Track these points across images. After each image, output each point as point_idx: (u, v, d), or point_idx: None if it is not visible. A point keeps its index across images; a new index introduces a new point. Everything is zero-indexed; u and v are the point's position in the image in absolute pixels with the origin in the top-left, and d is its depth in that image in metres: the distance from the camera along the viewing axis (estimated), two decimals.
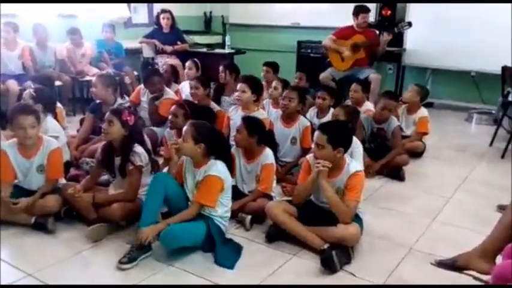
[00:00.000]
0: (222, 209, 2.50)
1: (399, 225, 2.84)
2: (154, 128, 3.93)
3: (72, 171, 3.32)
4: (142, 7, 6.70)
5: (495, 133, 4.50)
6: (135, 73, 5.91)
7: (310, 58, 6.32)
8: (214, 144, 2.50)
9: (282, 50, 6.74)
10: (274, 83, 4.18)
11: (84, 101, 5.51)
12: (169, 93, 4.25)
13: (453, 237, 2.67)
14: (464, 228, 2.77)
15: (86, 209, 2.66)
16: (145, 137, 2.92)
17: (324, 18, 6.38)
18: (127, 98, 4.10)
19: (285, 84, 4.17)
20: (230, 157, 2.67)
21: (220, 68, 4.64)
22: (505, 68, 4.38)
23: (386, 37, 5.10)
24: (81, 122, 4.11)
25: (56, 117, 3.39)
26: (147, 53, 6.19)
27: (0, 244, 2.47)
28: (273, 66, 4.98)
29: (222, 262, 2.36)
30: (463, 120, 5.64)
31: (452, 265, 2.30)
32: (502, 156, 4.17)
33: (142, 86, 4.35)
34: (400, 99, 4.31)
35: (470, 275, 2.23)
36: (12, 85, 4.75)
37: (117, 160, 2.72)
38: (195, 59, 5.02)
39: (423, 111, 4.24)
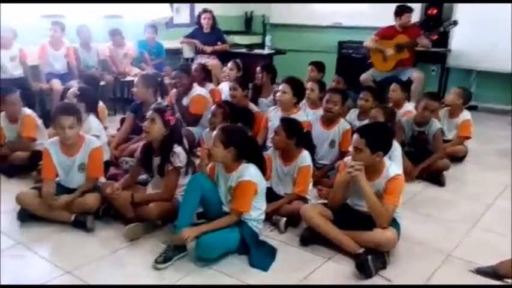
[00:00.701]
0: (256, 212, 2.49)
1: (437, 231, 2.83)
2: (191, 128, 3.91)
3: (112, 170, 3.35)
4: (184, 7, 6.79)
5: None
6: None
7: (351, 58, 6.31)
8: (245, 148, 2.48)
9: (323, 51, 6.71)
10: (309, 85, 4.14)
11: (125, 101, 5.60)
12: (199, 90, 4.17)
13: (493, 244, 2.63)
14: (505, 236, 2.73)
15: (123, 208, 2.70)
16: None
17: (366, 18, 6.36)
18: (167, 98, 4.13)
19: (321, 85, 4.15)
20: (262, 160, 2.62)
21: (258, 69, 4.64)
22: None
23: (425, 42, 5.02)
24: (122, 121, 4.15)
25: (97, 117, 3.45)
26: (188, 53, 6.27)
27: (40, 241, 2.56)
28: (319, 66, 4.96)
29: (257, 264, 2.37)
30: (507, 124, 5.47)
31: (492, 273, 2.28)
32: None
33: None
34: (442, 102, 4.24)
35: (511, 284, 2.21)
36: (56, 84, 4.85)
37: (156, 160, 2.74)
38: (237, 60, 5.03)
39: (466, 115, 4.16)
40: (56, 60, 5.11)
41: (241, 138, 2.50)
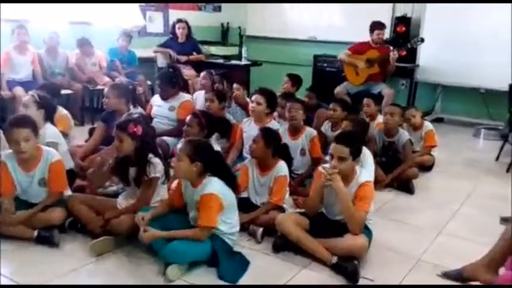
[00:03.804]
0: (225, 227, 2.46)
1: (407, 237, 2.96)
2: (166, 138, 3.82)
3: (78, 181, 3.19)
4: (158, 16, 6.76)
5: (501, 148, 4.63)
6: (149, 82, 5.90)
7: (326, 72, 6.46)
8: (211, 163, 2.45)
9: (299, 64, 6.83)
10: (278, 101, 4.06)
11: (94, 111, 5.46)
12: (186, 96, 4.14)
13: (459, 249, 2.78)
14: (470, 241, 2.89)
15: (91, 221, 2.62)
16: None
17: (341, 33, 6.54)
18: (139, 107, 4.02)
19: (289, 97, 4.23)
20: (230, 174, 2.61)
21: (216, 77, 4.61)
22: None
23: (394, 55, 5.26)
24: (91, 132, 4.01)
25: (54, 125, 3.26)
26: (161, 62, 6.16)
27: (0, 259, 2.40)
28: (294, 78, 5.02)
29: (226, 277, 2.36)
30: (472, 135, 5.76)
31: (458, 276, 2.40)
32: (507, 170, 4.30)
33: (154, 97, 4.31)
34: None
35: (475, 286, 2.34)
36: (19, 92, 4.68)
37: (132, 170, 2.68)
38: (211, 70, 4.96)
39: (428, 125, 4.36)
40: (21, 66, 4.92)
41: (208, 152, 2.48)
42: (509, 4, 5.38)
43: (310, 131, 3.68)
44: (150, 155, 2.67)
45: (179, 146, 2.57)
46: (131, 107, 3.79)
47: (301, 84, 5.08)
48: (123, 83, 4.38)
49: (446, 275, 2.46)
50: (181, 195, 2.60)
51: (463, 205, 3.52)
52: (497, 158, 4.64)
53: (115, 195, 2.91)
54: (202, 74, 4.93)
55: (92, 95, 5.70)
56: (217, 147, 3.34)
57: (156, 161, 2.66)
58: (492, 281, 2.19)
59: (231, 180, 2.54)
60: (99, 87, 5.41)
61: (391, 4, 6.37)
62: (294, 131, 3.68)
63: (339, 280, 2.43)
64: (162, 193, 2.75)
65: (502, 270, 2.22)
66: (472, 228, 3.10)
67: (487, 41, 5.60)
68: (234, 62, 6.54)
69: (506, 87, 4.65)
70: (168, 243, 2.36)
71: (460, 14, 5.77)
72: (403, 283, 2.43)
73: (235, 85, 4.45)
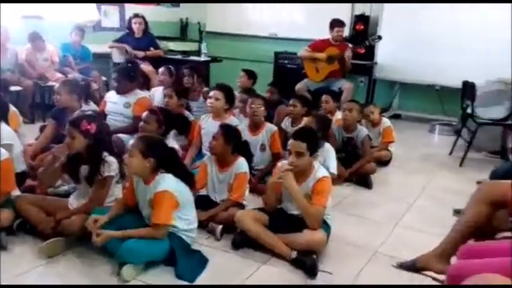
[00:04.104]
0: (181, 223, 2.42)
1: (365, 230, 3.01)
2: (121, 136, 3.67)
3: (29, 181, 3.07)
4: (114, 11, 6.58)
5: (455, 143, 4.79)
6: (103, 78, 5.74)
7: (287, 69, 6.50)
8: (165, 159, 2.41)
9: (260, 60, 6.84)
10: (240, 96, 4.16)
11: (46, 108, 5.24)
12: (142, 93, 4.06)
13: (414, 240, 2.85)
14: (424, 232, 2.97)
15: (40, 222, 2.54)
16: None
17: (301, 30, 6.59)
18: (92, 103, 3.92)
19: (250, 92, 4.25)
20: (185, 170, 2.58)
21: (186, 71, 4.58)
22: (465, 83, 4.68)
23: (349, 53, 5.34)
24: (41, 129, 3.87)
25: (8, 124, 3.13)
26: (117, 57, 5.99)
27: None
28: (249, 73, 5.04)
29: (183, 276, 2.32)
30: (427, 131, 5.93)
31: (412, 267, 2.46)
32: (460, 165, 4.45)
33: (108, 93, 4.21)
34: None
35: (428, 276, 2.39)
36: None
37: (84, 168, 2.59)
38: (169, 66, 4.91)
39: (386, 122, 4.46)
40: None
41: (161, 148, 2.45)
42: (463, 4, 5.57)
43: (270, 127, 3.69)
44: (105, 153, 2.60)
45: (131, 141, 2.50)
46: (83, 103, 3.69)
47: (256, 79, 5.07)
48: (75, 79, 4.25)
49: (401, 265, 2.51)
50: (134, 193, 2.53)
51: (419, 198, 3.61)
52: (451, 153, 4.80)
53: (66, 195, 2.83)
54: (160, 69, 4.86)
55: (43, 91, 5.47)
56: (175, 145, 3.31)
57: (111, 159, 2.59)
58: (444, 271, 2.25)
59: (186, 177, 2.50)
60: (50, 83, 5.22)
61: (350, 3, 6.48)
62: (255, 127, 3.68)
63: (298, 274, 2.44)
64: (117, 192, 2.68)
65: (453, 260, 2.27)
66: (427, 220, 3.19)
67: (441, 40, 5.78)
68: (193, 58, 6.46)
69: (459, 85, 4.81)
70: (123, 242, 2.30)
71: (416, 14, 5.93)
72: (361, 275, 2.47)
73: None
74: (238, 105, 4.17)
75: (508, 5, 5.34)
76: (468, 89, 4.57)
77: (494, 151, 4.64)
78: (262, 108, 3.63)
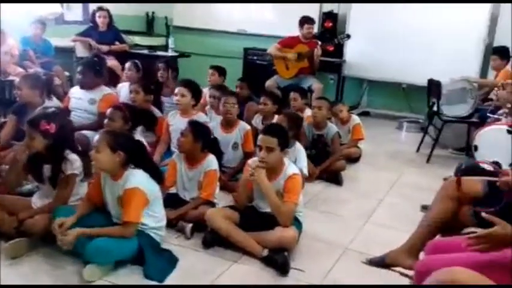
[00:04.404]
0: (150, 220, 2.38)
1: (336, 227, 3.03)
2: (86, 132, 3.57)
3: None
4: (77, 4, 6.38)
5: (422, 140, 4.90)
6: (67, 73, 5.57)
7: (257, 65, 6.47)
8: (134, 153, 2.36)
9: (229, 56, 6.80)
10: (211, 92, 4.15)
11: (6, 103, 4.89)
12: (108, 89, 3.98)
13: (383, 236, 2.89)
14: (393, 228, 3.01)
15: (3, 222, 2.45)
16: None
17: (271, 27, 6.58)
18: (55, 99, 3.79)
19: (222, 89, 4.22)
20: (153, 165, 2.55)
21: (161, 65, 4.51)
22: (431, 81, 4.79)
23: (318, 51, 5.37)
24: (1, 126, 3.71)
25: None
26: (81, 52, 5.82)
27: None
28: (219, 70, 4.99)
29: (151, 275, 2.27)
30: (395, 128, 6.04)
31: (381, 262, 2.49)
32: (427, 161, 4.55)
33: (72, 89, 4.09)
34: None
35: (397, 271, 2.43)
36: None
37: (47, 168, 2.51)
38: (136, 61, 4.82)
39: (355, 119, 4.50)
40: None
41: (130, 142, 2.41)
42: (428, 4, 5.69)
43: (243, 125, 3.68)
44: (67, 151, 2.52)
45: (96, 137, 2.40)
46: (46, 99, 3.58)
47: (226, 74, 5.03)
48: (37, 74, 4.09)
49: (370, 262, 2.54)
50: (100, 191, 2.46)
51: (388, 195, 3.67)
52: (418, 150, 4.90)
53: (29, 194, 2.75)
54: (127, 65, 4.76)
55: (4, 86, 5.18)
56: (143, 141, 3.23)
57: (73, 157, 2.51)
58: (412, 266, 2.29)
59: (154, 172, 2.45)
60: (10, 77, 4.98)
61: (319, 3, 6.50)
62: (228, 125, 3.66)
63: (269, 272, 2.43)
64: (82, 191, 2.60)
65: (421, 255, 2.31)
66: (396, 216, 3.24)
67: (408, 39, 5.88)
68: (160, 53, 6.34)
69: (425, 83, 4.92)
70: (90, 241, 2.24)
71: (384, 12, 6.01)
72: (332, 272, 2.49)
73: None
74: (210, 102, 4.13)
75: (473, 4, 5.50)
76: (434, 87, 4.68)
77: (460, 148, 4.77)
78: (236, 107, 3.62)
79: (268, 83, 5.58)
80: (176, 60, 6.25)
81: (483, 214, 1.55)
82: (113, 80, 4.65)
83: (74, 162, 2.50)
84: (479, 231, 1.58)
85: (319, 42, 5.53)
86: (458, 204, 2.34)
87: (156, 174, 2.46)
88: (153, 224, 2.41)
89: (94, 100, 3.87)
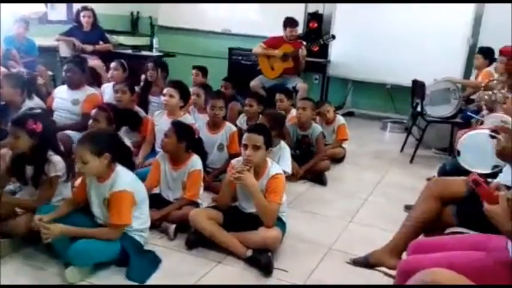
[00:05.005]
0: (136, 222, 2.35)
1: (320, 227, 3.03)
2: (69, 132, 3.54)
3: None
4: (60, 3, 6.33)
5: (405, 140, 4.93)
6: (50, 73, 5.52)
7: (242, 65, 6.45)
8: (119, 151, 2.34)
9: (214, 56, 6.78)
10: (194, 90, 4.15)
11: None
12: (92, 90, 3.95)
13: (367, 236, 2.89)
14: (377, 228, 3.02)
15: None
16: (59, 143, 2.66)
17: (255, 27, 6.58)
18: (36, 98, 3.73)
19: (206, 88, 4.21)
20: (131, 161, 2.52)
21: (150, 64, 4.49)
22: (415, 82, 4.83)
23: (303, 51, 5.38)
24: None
25: None
26: (65, 51, 5.78)
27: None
28: (203, 70, 4.99)
29: (133, 277, 2.26)
30: (379, 128, 6.08)
31: (365, 262, 2.49)
32: (411, 161, 4.58)
33: (57, 89, 4.05)
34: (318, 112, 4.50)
35: (381, 271, 2.43)
36: None
37: (29, 169, 2.48)
38: (122, 60, 4.77)
39: (340, 119, 4.51)
40: None
41: (110, 138, 2.38)
42: (414, 4, 5.73)
43: (230, 127, 3.66)
44: (50, 153, 2.48)
45: (76, 147, 2.34)
46: (26, 98, 3.55)
47: (207, 74, 5.04)
48: (19, 73, 4.06)
49: (354, 262, 2.54)
50: (85, 191, 2.43)
51: (372, 194, 3.68)
52: (402, 150, 4.93)
53: (12, 194, 2.68)
54: (113, 64, 4.70)
55: None
56: (127, 142, 3.20)
57: (56, 158, 2.47)
58: (396, 266, 2.29)
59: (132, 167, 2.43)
60: None
61: (304, 3, 6.52)
62: (214, 126, 3.64)
63: (253, 273, 2.42)
64: (65, 192, 2.56)
65: (404, 255, 2.30)
66: (380, 216, 3.25)
67: (393, 39, 5.93)
68: (144, 52, 6.31)
69: (409, 83, 4.95)
70: (72, 243, 2.20)
71: (369, 12, 6.05)
72: (316, 272, 2.48)
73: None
74: (193, 100, 4.11)
75: (457, 4, 5.56)
76: (418, 88, 4.72)
77: (443, 148, 4.82)
78: (223, 109, 3.60)
79: (253, 83, 5.57)
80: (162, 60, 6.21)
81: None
82: (96, 80, 4.62)
83: (57, 164, 2.46)
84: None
85: (304, 43, 5.54)
86: (442, 204, 2.35)
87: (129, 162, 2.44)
88: (138, 226, 2.38)
89: (77, 101, 3.84)
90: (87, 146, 2.24)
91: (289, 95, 4.56)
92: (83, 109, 3.77)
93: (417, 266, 1.63)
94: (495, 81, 4.00)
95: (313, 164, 3.90)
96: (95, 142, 2.26)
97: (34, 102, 3.57)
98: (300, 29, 5.77)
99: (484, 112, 3.62)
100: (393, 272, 2.34)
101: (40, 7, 5.93)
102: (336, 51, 6.33)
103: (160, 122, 3.61)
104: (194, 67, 5.03)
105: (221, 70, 6.21)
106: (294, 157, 3.83)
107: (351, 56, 6.23)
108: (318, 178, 3.86)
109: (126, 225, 2.30)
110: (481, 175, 1.78)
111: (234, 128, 3.69)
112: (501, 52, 4.69)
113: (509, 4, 5.24)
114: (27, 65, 5.29)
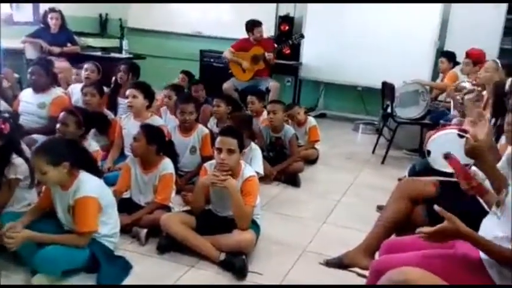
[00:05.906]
0: (104, 228, 2.30)
1: (294, 229, 3.03)
2: (36, 136, 3.42)
3: None
4: (27, 4, 6.13)
5: (377, 141, 5.00)
6: (16, 75, 5.27)
7: (213, 67, 6.41)
8: (78, 156, 2.28)
9: (185, 58, 6.72)
10: (166, 92, 4.11)
11: None
12: (58, 92, 3.88)
13: (341, 237, 2.90)
14: (350, 228, 3.04)
15: None
16: (24, 146, 2.58)
17: (227, 29, 6.55)
18: (2, 101, 3.62)
19: (178, 90, 4.17)
20: (96, 166, 2.48)
21: (122, 67, 4.42)
22: (384, 84, 4.91)
23: (269, 55, 5.39)
24: None
25: None
26: (31, 54, 5.60)
27: None
28: (190, 75, 5.02)
29: (105, 283, 2.22)
30: (351, 130, 6.15)
31: (339, 263, 2.50)
32: (382, 162, 4.64)
33: (23, 92, 3.93)
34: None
35: (354, 272, 2.45)
36: None
37: None
38: (96, 62, 4.64)
39: (311, 121, 4.53)
40: None
41: (66, 146, 2.30)
42: (384, 6, 5.82)
43: (202, 129, 3.62)
44: (14, 155, 2.39)
45: (31, 159, 2.27)
46: None
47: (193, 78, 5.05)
48: None
49: (328, 263, 2.54)
50: (51, 198, 2.36)
51: (345, 195, 3.71)
52: (374, 151, 4.99)
53: None
54: (87, 65, 4.55)
55: None
56: (95, 145, 3.14)
57: (19, 161, 2.39)
58: (369, 266, 2.30)
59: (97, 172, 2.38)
60: None
61: (275, 3, 6.55)
62: (185, 128, 3.59)
63: (226, 277, 2.40)
64: (31, 198, 2.48)
65: (377, 255, 2.33)
66: (353, 217, 3.27)
67: (363, 42, 6.00)
68: (114, 54, 6.17)
69: (380, 85, 5.03)
70: (39, 249, 2.13)
71: (339, 15, 6.11)
72: (290, 274, 2.47)
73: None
74: (165, 102, 4.08)
75: (424, 5, 5.68)
76: (388, 90, 4.79)
77: (413, 149, 4.90)
78: (194, 114, 3.54)
79: (226, 85, 5.54)
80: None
81: (435, 207, 1.58)
82: (55, 81, 4.41)
83: (20, 166, 2.38)
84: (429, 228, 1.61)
85: (275, 44, 5.55)
86: (412, 204, 2.38)
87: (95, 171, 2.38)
88: (106, 231, 2.33)
89: (44, 104, 3.75)
90: (43, 157, 2.17)
91: (260, 96, 4.55)
92: (50, 112, 3.68)
93: (388, 265, 1.65)
94: (463, 83, 4.05)
95: (286, 165, 3.91)
96: (50, 152, 2.19)
97: (0, 106, 3.47)
98: (271, 32, 5.77)
99: (454, 112, 3.70)
100: (366, 272, 2.34)
101: (5, 8, 5.76)
102: (308, 54, 6.38)
103: (128, 125, 3.54)
104: (182, 72, 5.02)
105: (193, 72, 6.13)
106: (267, 159, 3.83)
107: (322, 59, 6.28)
108: (292, 180, 3.86)
109: (93, 231, 2.24)
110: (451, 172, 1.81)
111: (206, 130, 3.65)
112: (468, 54, 4.82)
113: (474, 7, 5.41)
114: None
